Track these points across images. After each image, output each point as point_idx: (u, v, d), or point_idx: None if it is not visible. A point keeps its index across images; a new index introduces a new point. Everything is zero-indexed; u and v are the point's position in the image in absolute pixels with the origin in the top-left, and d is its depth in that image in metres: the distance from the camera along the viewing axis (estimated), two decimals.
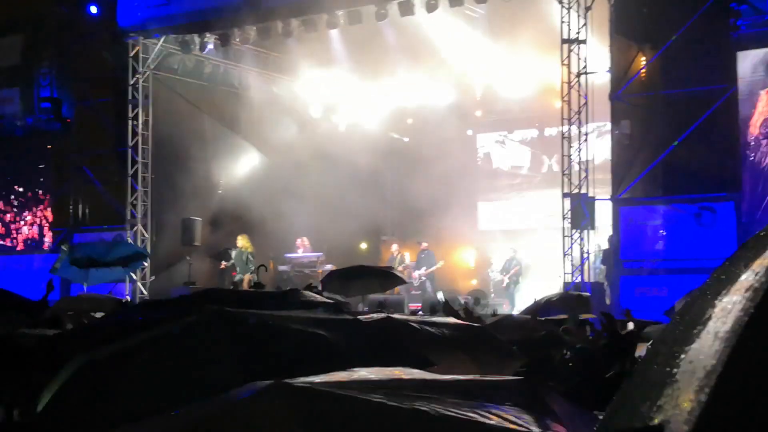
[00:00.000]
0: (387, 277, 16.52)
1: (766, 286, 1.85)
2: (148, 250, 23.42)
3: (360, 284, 16.63)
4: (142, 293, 23.42)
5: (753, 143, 17.54)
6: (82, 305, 15.97)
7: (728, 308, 1.90)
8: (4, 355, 6.40)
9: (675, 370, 1.90)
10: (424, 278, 24.35)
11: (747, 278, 1.94)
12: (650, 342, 2.68)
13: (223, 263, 23.77)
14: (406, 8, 21.12)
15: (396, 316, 7.10)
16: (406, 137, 28.64)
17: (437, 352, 5.97)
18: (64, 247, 21.69)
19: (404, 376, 4.31)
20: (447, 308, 13.17)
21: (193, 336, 5.30)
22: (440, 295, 16.83)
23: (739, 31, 17.56)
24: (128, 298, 21.89)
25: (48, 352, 6.32)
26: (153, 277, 23.79)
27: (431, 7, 20.90)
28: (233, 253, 23.65)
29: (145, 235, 23.99)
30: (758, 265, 1.95)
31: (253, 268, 22.20)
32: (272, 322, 5.44)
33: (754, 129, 17.54)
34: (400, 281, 16.75)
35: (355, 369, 3.96)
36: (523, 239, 26.52)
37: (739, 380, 1.83)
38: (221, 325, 5.26)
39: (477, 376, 4.89)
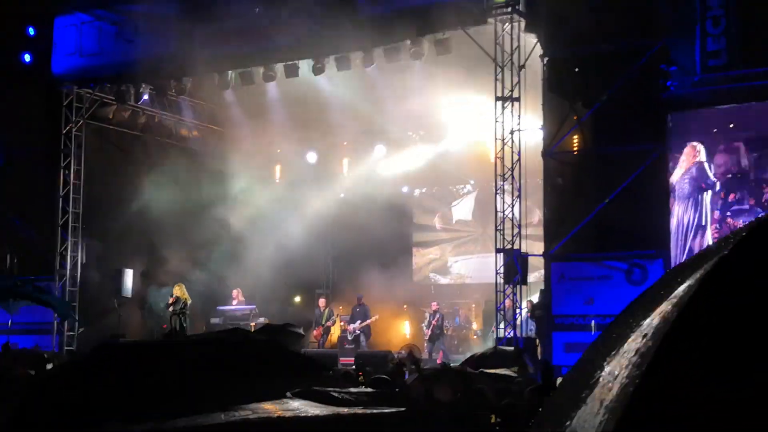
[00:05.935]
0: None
1: (653, 351, 1.82)
2: (76, 301, 23.01)
3: None
4: (69, 345, 22.89)
5: (680, 195, 17.78)
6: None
7: (614, 374, 1.88)
8: None
9: None
10: (358, 332, 24.17)
11: (635, 341, 1.91)
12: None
13: (171, 300, 22.62)
14: (343, 63, 21.24)
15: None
16: (342, 193, 28.54)
17: None
18: None
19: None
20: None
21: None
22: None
23: (668, 91, 17.87)
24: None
25: None
26: (81, 329, 23.26)
27: (366, 60, 21.08)
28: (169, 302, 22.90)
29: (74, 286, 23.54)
30: (646, 326, 1.93)
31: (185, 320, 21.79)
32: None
33: (676, 177, 17.79)
34: (297, 338, 17.34)
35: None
36: (458, 293, 26.54)
37: None
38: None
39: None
